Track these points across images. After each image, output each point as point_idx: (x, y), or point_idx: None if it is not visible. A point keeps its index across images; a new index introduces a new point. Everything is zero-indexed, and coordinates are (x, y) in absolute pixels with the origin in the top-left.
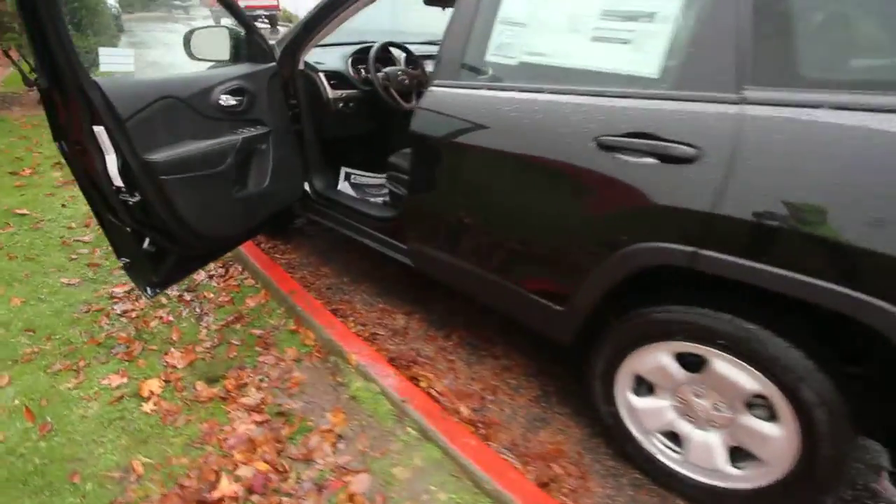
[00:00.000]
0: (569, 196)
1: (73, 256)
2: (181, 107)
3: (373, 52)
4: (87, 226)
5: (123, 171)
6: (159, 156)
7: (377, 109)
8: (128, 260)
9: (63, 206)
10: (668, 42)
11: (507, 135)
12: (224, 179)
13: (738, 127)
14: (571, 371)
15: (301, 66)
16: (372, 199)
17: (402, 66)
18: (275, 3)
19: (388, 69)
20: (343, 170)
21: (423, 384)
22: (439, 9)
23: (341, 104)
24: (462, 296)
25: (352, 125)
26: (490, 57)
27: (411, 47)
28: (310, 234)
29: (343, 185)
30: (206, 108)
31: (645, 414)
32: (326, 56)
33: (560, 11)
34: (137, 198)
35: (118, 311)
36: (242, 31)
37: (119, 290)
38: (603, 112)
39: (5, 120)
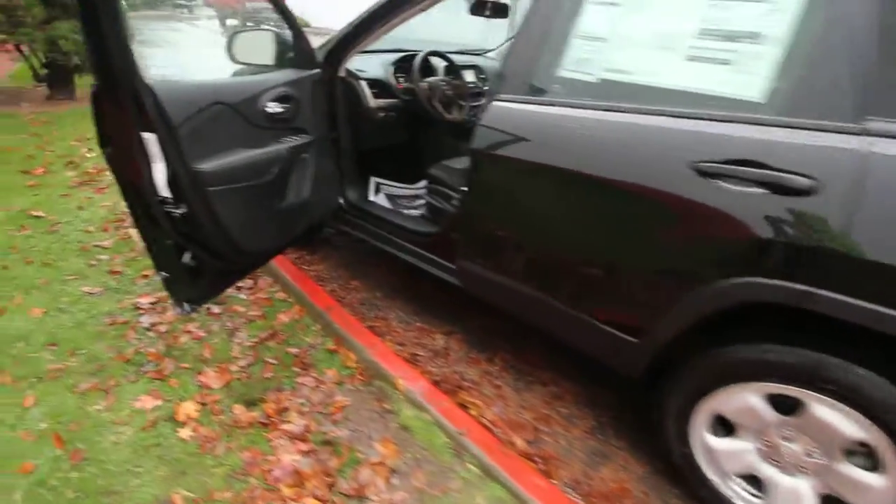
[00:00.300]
0: (659, 224)
1: (93, 263)
2: (230, 114)
3: (417, 61)
4: (105, 230)
5: (171, 181)
6: (208, 165)
7: (413, 119)
8: (167, 274)
9: (80, 208)
10: (775, 64)
11: (586, 156)
12: (269, 191)
13: (861, 161)
14: (625, 401)
15: (342, 73)
16: (407, 212)
17: (444, 77)
18: None
19: (430, 79)
20: (373, 180)
21: (473, 412)
22: (479, 18)
23: (383, 113)
24: (502, 315)
25: (389, 135)
26: (564, 72)
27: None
28: (337, 244)
29: (377, 197)
30: (254, 116)
31: (724, 456)
32: (365, 63)
33: (648, 28)
34: (183, 209)
35: (145, 325)
36: (286, 35)
37: (144, 301)
38: (703, 136)
39: (14, 116)
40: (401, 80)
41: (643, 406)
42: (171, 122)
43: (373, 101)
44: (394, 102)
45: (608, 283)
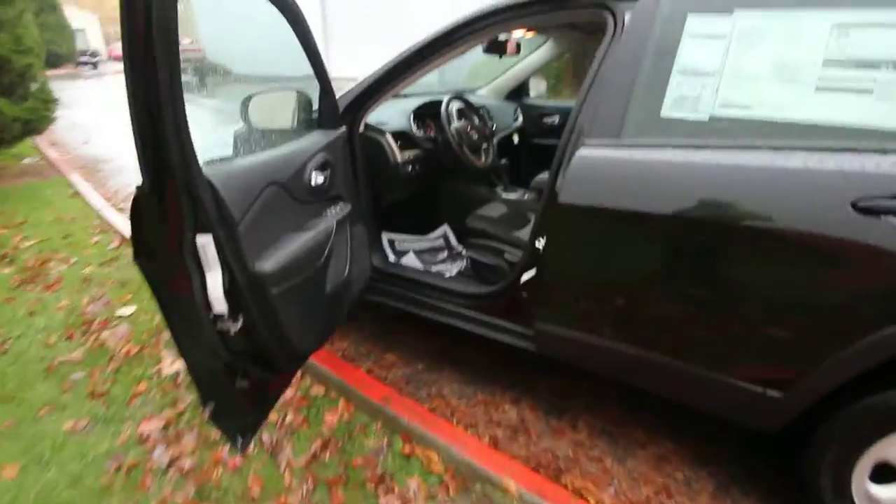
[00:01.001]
0: (813, 268)
1: (67, 387)
2: (282, 194)
3: (446, 107)
4: (70, 338)
5: (228, 290)
6: (270, 264)
7: (433, 168)
8: (214, 404)
9: (31, 314)
10: None
11: (716, 201)
12: (320, 279)
13: None
14: (729, 451)
15: (361, 129)
16: (437, 269)
17: (468, 121)
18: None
19: (456, 125)
20: (384, 236)
21: (590, 500)
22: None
23: (410, 167)
24: (565, 371)
25: (408, 188)
26: (668, 112)
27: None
28: (352, 315)
29: (405, 257)
30: (299, 191)
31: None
32: (378, 115)
33: (764, 59)
34: (241, 322)
35: (162, 463)
36: (309, 93)
37: (150, 428)
38: (864, 171)
39: None
40: (422, 128)
41: (754, 456)
42: (232, 219)
43: (399, 156)
44: (418, 153)
45: (752, 337)
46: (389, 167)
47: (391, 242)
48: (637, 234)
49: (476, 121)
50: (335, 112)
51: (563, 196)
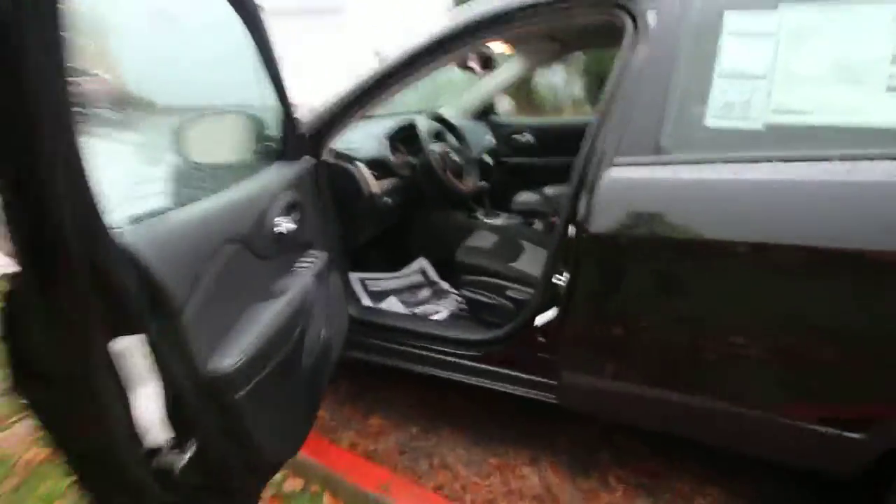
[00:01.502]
0: None
1: None
2: (242, 254)
3: (425, 127)
4: None
5: (172, 408)
6: (229, 359)
7: (412, 198)
8: None
9: None
10: None
11: (784, 221)
12: (296, 359)
13: None
14: (789, 496)
15: (327, 157)
16: (426, 311)
17: (448, 143)
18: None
19: (437, 148)
20: (354, 277)
21: None
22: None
23: (387, 199)
24: (581, 420)
25: (386, 221)
26: (714, 121)
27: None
28: None
29: (385, 301)
30: (262, 244)
31: None
32: (348, 138)
33: (824, 57)
34: (193, 450)
35: None
36: (264, 116)
37: None
38: None
39: None
40: (396, 153)
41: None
42: (172, 306)
43: (375, 186)
44: (395, 182)
45: (831, 376)
46: (363, 200)
47: (363, 283)
48: (693, 265)
49: (456, 142)
50: (300, 139)
51: (593, 226)
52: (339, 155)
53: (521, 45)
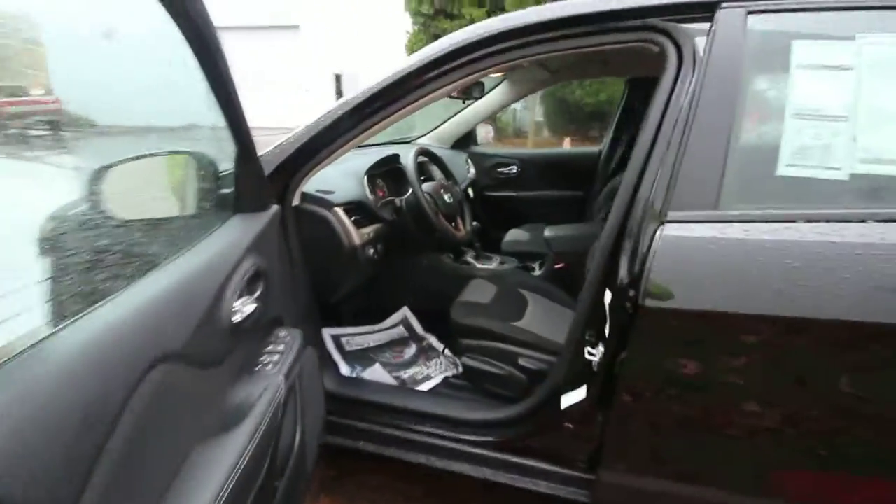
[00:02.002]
0: None
1: None
2: (177, 373)
3: (414, 163)
4: None
5: None
6: None
7: (396, 245)
8: None
9: None
10: None
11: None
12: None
13: None
14: None
15: (297, 201)
16: (413, 375)
17: (437, 179)
18: (52, 98)
19: (427, 186)
20: (326, 333)
21: None
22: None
23: (371, 248)
24: None
25: (368, 274)
26: (788, 169)
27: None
28: None
29: (373, 370)
30: (212, 347)
31: None
32: (319, 178)
33: None
34: None
35: None
36: (210, 155)
37: None
38: None
39: None
40: (379, 192)
41: None
42: None
43: (357, 236)
44: (379, 229)
45: None
46: (343, 254)
47: (337, 341)
48: (773, 349)
49: (443, 178)
50: (262, 183)
51: (647, 295)
52: (312, 199)
53: (510, 75)
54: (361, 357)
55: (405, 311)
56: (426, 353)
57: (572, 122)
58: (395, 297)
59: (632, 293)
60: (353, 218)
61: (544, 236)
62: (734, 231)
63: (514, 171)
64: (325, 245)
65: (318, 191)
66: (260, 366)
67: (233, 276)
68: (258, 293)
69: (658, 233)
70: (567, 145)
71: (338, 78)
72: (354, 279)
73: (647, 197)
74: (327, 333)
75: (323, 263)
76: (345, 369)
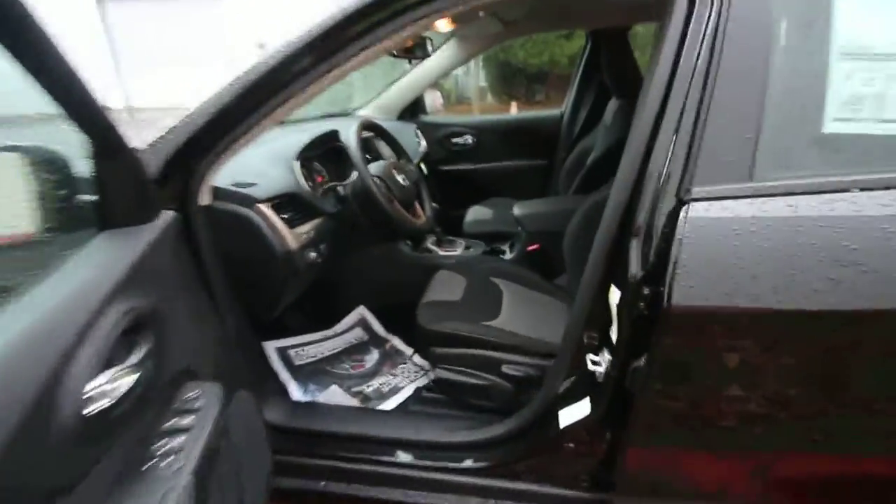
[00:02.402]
0: None
1: None
2: None
3: (357, 140)
4: None
5: None
6: None
7: (342, 239)
8: None
9: None
10: None
11: None
12: None
13: None
14: None
15: (207, 200)
16: (379, 388)
17: (387, 159)
18: None
19: (374, 168)
20: (270, 348)
21: None
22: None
23: (312, 250)
24: None
25: (311, 278)
26: (835, 125)
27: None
28: None
29: (330, 392)
30: (42, 471)
31: None
32: (236, 167)
33: None
34: None
35: None
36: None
37: None
38: None
39: None
40: (317, 178)
41: None
42: None
43: (292, 239)
44: (320, 225)
45: None
46: (276, 262)
47: (285, 356)
48: (839, 352)
49: (393, 156)
50: (142, 183)
51: (678, 296)
52: (227, 195)
53: (458, 29)
54: (315, 372)
55: (362, 311)
56: (391, 358)
57: (517, 86)
58: (348, 296)
59: (651, 291)
60: (284, 215)
61: (515, 215)
62: (777, 207)
63: (470, 141)
64: (250, 254)
65: (234, 184)
66: (153, 463)
67: (86, 337)
68: (144, 352)
69: (683, 214)
70: (513, 109)
71: (263, 49)
72: (294, 290)
73: (660, 170)
74: (272, 347)
75: (251, 277)
76: (296, 392)
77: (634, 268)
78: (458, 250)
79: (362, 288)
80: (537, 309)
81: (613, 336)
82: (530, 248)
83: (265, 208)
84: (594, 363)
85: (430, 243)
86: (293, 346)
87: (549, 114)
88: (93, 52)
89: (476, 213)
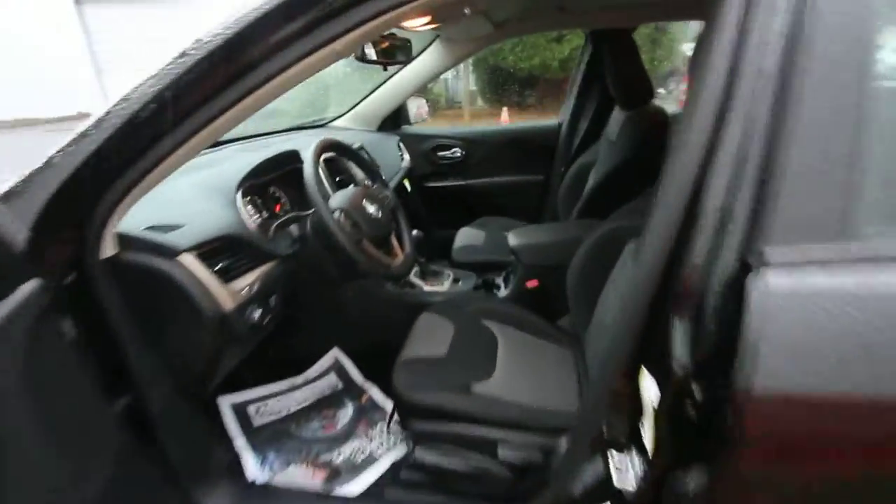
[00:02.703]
0: None
1: None
2: None
3: (314, 165)
4: None
5: None
6: None
7: (300, 284)
8: None
9: None
10: None
11: None
12: None
13: None
14: None
15: (112, 250)
16: (354, 454)
17: (360, 183)
18: None
19: (340, 197)
20: (227, 405)
21: None
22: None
23: (258, 310)
24: None
25: (257, 338)
26: None
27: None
28: None
29: (291, 472)
30: None
31: None
32: (152, 205)
33: None
34: None
35: None
36: None
37: None
38: None
39: None
40: (264, 213)
41: None
42: None
43: (227, 296)
44: (270, 272)
45: None
46: (206, 328)
47: (241, 412)
48: None
49: (368, 181)
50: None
51: (755, 383)
52: (140, 244)
53: (443, 31)
54: (276, 435)
55: (336, 353)
56: (367, 414)
57: (508, 90)
58: (318, 340)
59: (706, 379)
60: (220, 265)
61: (510, 245)
62: (886, 280)
63: (459, 154)
64: (170, 320)
65: (149, 228)
66: None
67: None
68: None
69: (753, 284)
70: (505, 115)
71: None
72: (234, 357)
73: (715, 222)
74: (226, 403)
75: (174, 346)
76: (251, 467)
77: (681, 349)
78: (445, 284)
79: (335, 327)
80: (539, 361)
81: (645, 436)
82: (528, 284)
83: (190, 259)
84: (616, 468)
85: (413, 276)
86: (253, 401)
87: (545, 124)
88: (72, 56)
89: (466, 238)
